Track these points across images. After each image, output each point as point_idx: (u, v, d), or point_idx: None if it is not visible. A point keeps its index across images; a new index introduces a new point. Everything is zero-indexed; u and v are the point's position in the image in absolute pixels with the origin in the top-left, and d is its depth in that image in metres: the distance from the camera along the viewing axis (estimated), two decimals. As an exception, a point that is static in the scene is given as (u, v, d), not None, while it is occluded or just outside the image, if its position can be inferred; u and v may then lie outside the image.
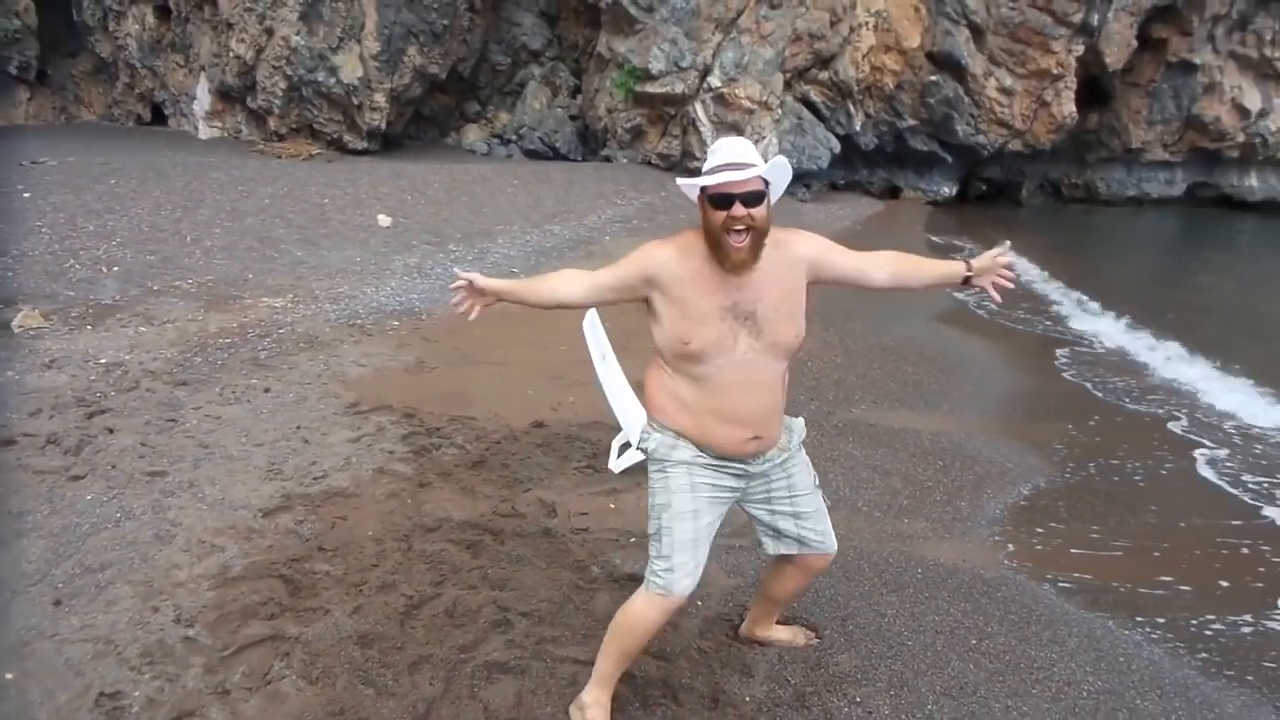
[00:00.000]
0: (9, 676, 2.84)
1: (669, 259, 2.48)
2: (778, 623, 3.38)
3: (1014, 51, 21.63)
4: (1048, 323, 10.58)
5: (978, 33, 21.51)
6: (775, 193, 2.52)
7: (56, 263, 8.30)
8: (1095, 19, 21.41)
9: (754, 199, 2.37)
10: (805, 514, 2.83)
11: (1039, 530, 4.72)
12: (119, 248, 9.11)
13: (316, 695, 2.86)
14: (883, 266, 2.75)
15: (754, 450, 2.67)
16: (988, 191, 25.49)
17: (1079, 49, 21.69)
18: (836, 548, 2.94)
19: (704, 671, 3.16)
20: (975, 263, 2.74)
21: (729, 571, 3.89)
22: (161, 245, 9.45)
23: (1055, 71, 21.73)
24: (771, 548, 2.91)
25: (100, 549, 3.66)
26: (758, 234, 2.40)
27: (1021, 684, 3.28)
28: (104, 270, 8.28)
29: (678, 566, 2.59)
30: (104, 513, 3.97)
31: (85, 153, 15.25)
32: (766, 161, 2.44)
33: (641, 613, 2.67)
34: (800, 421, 2.91)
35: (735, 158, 2.40)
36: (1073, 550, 4.54)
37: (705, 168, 2.44)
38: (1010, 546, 4.49)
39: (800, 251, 2.61)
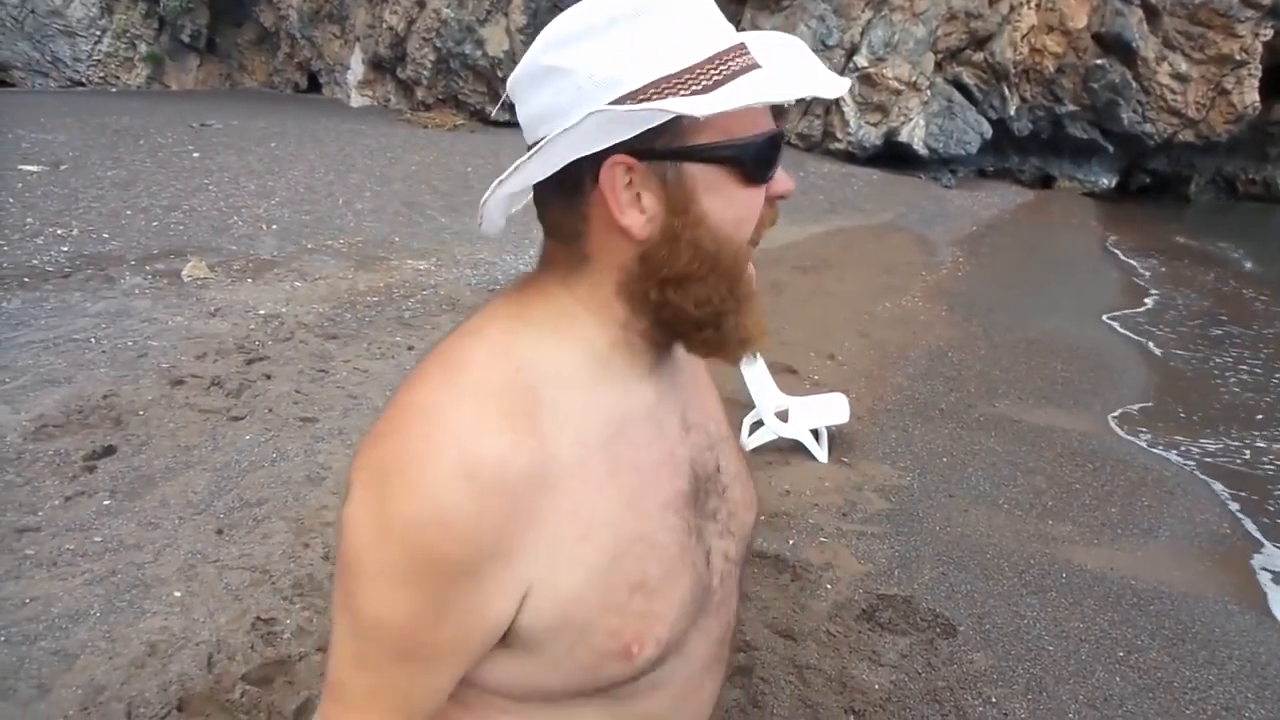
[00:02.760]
0: (177, 594, 3.06)
1: (529, 460, 0.76)
2: None
3: (1192, 35, 20.08)
4: (1215, 329, 9.86)
5: (1152, 14, 20.06)
6: None
7: (221, 219, 8.85)
8: (1289, 0, 19.63)
9: None
10: None
11: (1198, 544, 4.40)
12: (277, 207, 9.63)
13: (452, 640, 2.95)
14: None
15: None
16: (1151, 184, 23.83)
17: (1268, 33, 19.92)
18: None
19: (832, 655, 3.10)
20: None
21: (860, 558, 3.80)
22: (316, 206, 9.93)
23: (1238, 57, 20.05)
24: None
25: (258, 485, 3.89)
26: None
27: (1174, 703, 3.08)
28: (264, 227, 8.77)
29: None
30: (261, 452, 4.21)
31: (248, 117, 16.18)
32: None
33: None
34: None
35: (736, 36, 0.81)
36: (1234, 568, 4.22)
37: (693, 55, 0.76)
38: (1166, 558, 4.21)
39: None
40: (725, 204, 0.79)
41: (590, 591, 0.79)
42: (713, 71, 0.76)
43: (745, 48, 0.80)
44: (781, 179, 0.83)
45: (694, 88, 0.75)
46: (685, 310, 0.81)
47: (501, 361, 0.80)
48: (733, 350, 0.84)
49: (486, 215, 0.85)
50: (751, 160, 0.79)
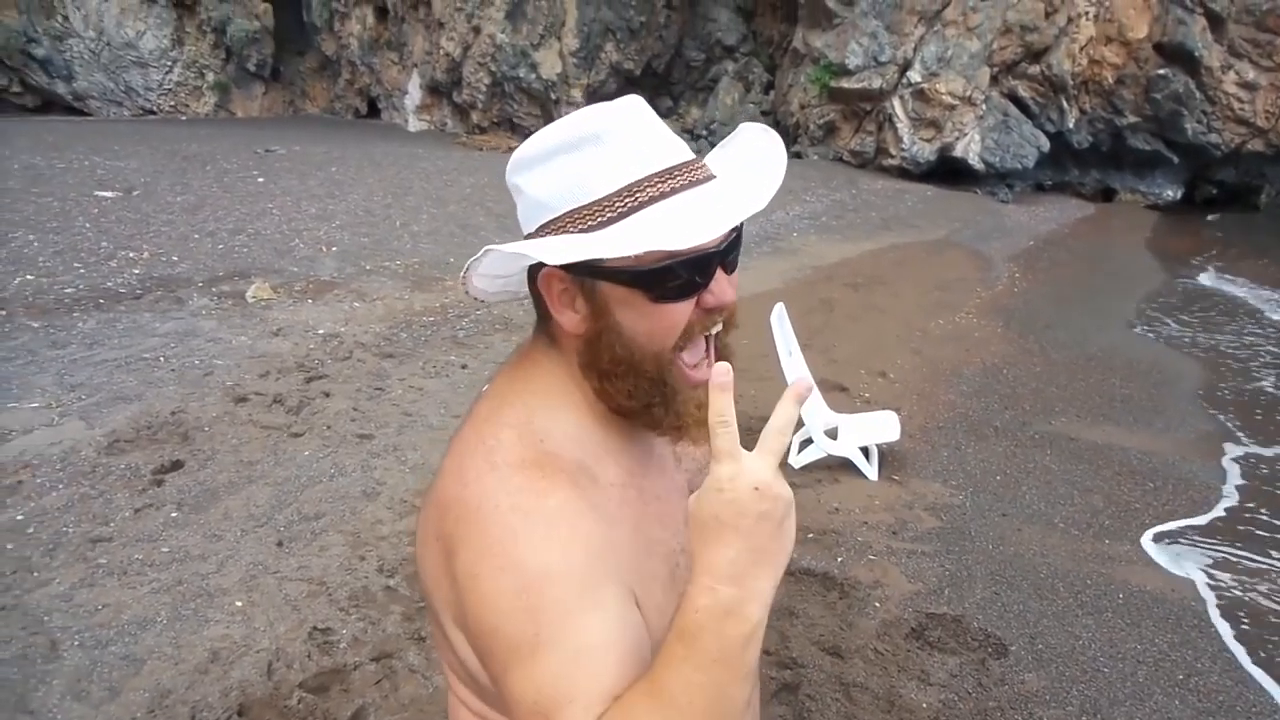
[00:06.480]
0: (239, 604, 3.17)
1: (589, 519, 0.87)
2: None
3: (1260, 42, 19.53)
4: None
5: (1216, 22, 19.57)
6: None
7: (284, 241, 9.12)
8: (1362, 4, 18.97)
9: (734, 253, 0.93)
10: None
11: (1264, 566, 4.27)
12: (337, 230, 9.89)
13: (501, 652, 3.00)
14: None
15: None
16: (1218, 196, 23.13)
17: (1339, 38, 19.31)
18: None
19: (879, 673, 3.08)
20: None
21: (910, 576, 3.77)
22: (374, 229, 10.18)
23: (1308, 63, 19.46)
24: None
25: (316, 500, 4.00)
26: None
27: (1237, 729, 2.99)
28: (324, 249, 9.02)
29: None
30: (320, 468, 4.33)
31: (310, 142, 16.65)
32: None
33: None
34: None
35: (677, 153, 0.90)
36: (1305, 591, 4.08)
37: (605, 187, 0.86)
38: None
39: None
40: (637, 317, 0.88)
41: (663, 601, 0.89)
42: (618, 204, 0.85)
43: (669, 172, 0.86)
44: (716, 291, 0.88)
45: (592, 222, 0.85)
46: (619, 399, 0.92)
47: (527, 438, 0.89)
48: (668, 434, 0.95)
49: (470, 284, 0.98)
50: (650, 284, 0.85)
